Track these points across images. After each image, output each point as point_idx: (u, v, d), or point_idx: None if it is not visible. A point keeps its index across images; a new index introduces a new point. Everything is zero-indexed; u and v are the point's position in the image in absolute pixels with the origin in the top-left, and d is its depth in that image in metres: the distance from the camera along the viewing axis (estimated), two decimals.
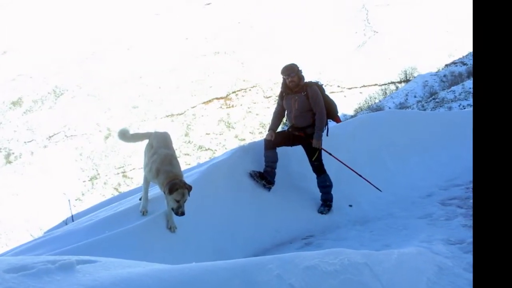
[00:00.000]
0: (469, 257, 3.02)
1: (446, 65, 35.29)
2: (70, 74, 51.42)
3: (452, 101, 23.76)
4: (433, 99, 25.92)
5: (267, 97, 46.17)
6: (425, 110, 23.02)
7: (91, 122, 45.80)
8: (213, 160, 5.33)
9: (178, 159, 3.52)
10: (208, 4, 60.88)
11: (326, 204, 4.86)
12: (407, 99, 30.15)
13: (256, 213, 4.48)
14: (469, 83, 24.95)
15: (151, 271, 1.62)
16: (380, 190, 5.16)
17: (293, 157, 5.07)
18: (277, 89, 5.93)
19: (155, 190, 3.77)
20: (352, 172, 5.05)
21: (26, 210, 35.65)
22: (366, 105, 36.18)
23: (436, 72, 33.81)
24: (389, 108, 27.94)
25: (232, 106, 46.78)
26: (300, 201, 4.90)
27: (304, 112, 4.69)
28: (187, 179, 3.61)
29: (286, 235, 4.40)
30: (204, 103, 47.11)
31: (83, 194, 39.31)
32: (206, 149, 42.32)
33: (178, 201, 3.17)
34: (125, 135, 3.83)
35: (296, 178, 5.09)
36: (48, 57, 53.46)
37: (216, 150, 41.27)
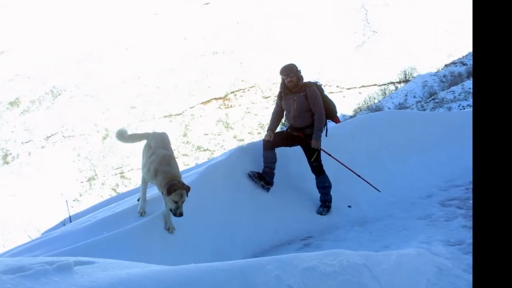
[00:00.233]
0: (469, 258, 3.02)
1: (446, 65, 35.35)
2: (68, 74, 51.34)
3: (451, 102, 23.79)
4: (433, 99, 25.95)
5: (266, 97, 46.19)
6: (424, 110, 23.05)
7: (89, 122, 45.73)
8: (211, 160, 5.32)
9: (176, 159, 3.51)
10: (207, 4, 60.88)
11: (325, 205, 4.85)
12: (406, 99, 30.18)
13: (255, 214, 4.47)
14: (468, 83, 24.98)
15: (149, 272, 1.61)
16: (379, 191, 5.15)
17: (292, 157, 5.06)
18: (276, 89, 5.92)
19: (153, 191, 3.76)
20: (351, 172, 5.05)
21: (24, 211, 35.57)
22: (365, 105, 36.21)
23: (436, 72, 33.85)
24: (389, 108, 27.96)
25: (231, 106, 46.78)
26: (299, 202, 4.90)
27: (303, 113, 4.69)
28: (186, 179, 3.60)
29: (285, 236, 4.40)
30: (202, 103, 47.10)
31: (80, 195, 39.23)
32: (204, 150, 42.30)
33: (176, 202, 3.16)
34: (123, 136, 3.82)
35: (295, 178, 5.08)
36: (46, 57, 53.38)
37: (214, 151, 41.26)
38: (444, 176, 5.93)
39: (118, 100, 47.62)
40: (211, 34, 55.18)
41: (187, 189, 3.21)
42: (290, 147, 4.89)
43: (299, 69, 4.75)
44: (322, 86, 4.96)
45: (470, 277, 2.67)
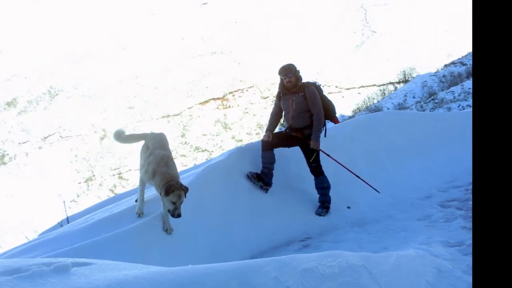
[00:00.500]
0: (469, 260, 3.01)
1: (445, 66, 35.33)
2: (66, 75, 51.22)
3: (451, 102, 23.78)
4: (432, 99, 25.95)
5: (265, 98, 46.16)
6: (424, 110, 23.04)
7: (87, 123, 45.62)
8: (210, 161, 5.30)
9: (174, 160, 3.49)
10: (205, 3, 60.86)
11: (324, 205, 4.84)
12: (405, 99, 30.16)
13: (253, 215, 4.46)
14: (468, 84, 24.95)
15: (147, 273, 1.60)
16: (379, 192, 5.15)
17: (291, 158, 5.05)
18: (275, 90, 5.92)
19: (151, 192, 3.75)
20: (350, 173, 5.04)
21: (21, 211, 35.44)
22: (364, 105, 36.19)
23: (435, 72, 33.84)
24: (388, 108, 27.93)
25: (229, 106, 46.75)
26: (297, 202, 4.89)
27: (301, 113, 4.68)
28: (184, 180, 3.59)
29: (284, 237, 4.38)
30: (200, 103, 47.05)
31: (78, 196, 39.12)
32: (202, 150, 42.25)
33: (174, 203, 3.14)
34: (120, 136, 3.81)
35: (293, 179, 5.07)
36: (43, 58, 53.25)
37: (213, 151, 41.20)
38: (444, 177, 5.93)
39: (115, 101, 47.54)
40: (209, 34, 55.15)
41: (185, 190, 3.19)
42: (288, 147, 4.88)
43: (298, 69, 4.74)
44: (321, 87, 4.95)
45: (470, 278, 2.67)
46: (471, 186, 5.02)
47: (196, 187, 3.79)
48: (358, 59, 45.91)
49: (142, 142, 3.70)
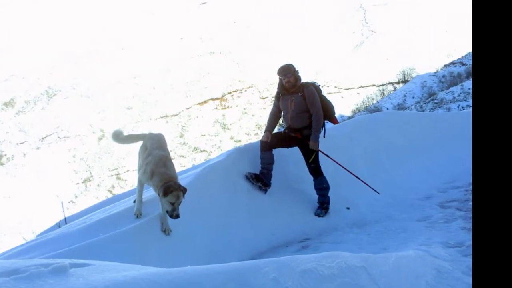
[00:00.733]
0: (468, 260, 3.01)
1: (445, 66, 35.36)
2: (64, 75, 51.13)
3: (451, 102, 23.79)
4: (432, 100, 25.95)
5: (263, 98, 46.15)
6: (423, 111, 23.05)
7: (85, 123, 45.54)
8: (208, 162, 5.29)
9: (172, 160, 3.48)
10: (204, 3, 60.85)
11: (323, 206, 4.83)
12: (405, 100, 30.16)
13: (252, 215, 4.45)
14: (468, 84, 24.95)
15: (145, 274, 1.59)
16: (378, 193, 5.15)
17: (290, 159, 5.05)
18: (274, 90, 5.92)
19: (150, 192, 3.73)
20: (349, 174, 5.04)
21: (19, 212, 35.36)
22: (363, 106, 36.19)
23: (435, 72, 33.85)
24: (387, 109, 27.93)
25: (228, 107, 46.73)
26: (296, 203, 4.88)
27: (300, 113, 4.67)
28: (182, 181, 3.58)
29: (283, 238, 4.37)
30: (199, 104, 47.02)
31: (76, 196, 39.04)
32: (201, 151, 42.21)
33: (172, 204, 3.13)
34: (119, 137, 3.80)
35: (292, 180, 5.06)
36: (41, 58, 53.17)
37: (211, 152, 41.16)
38: (443, 177, 5.93)
39: (114, 101, 47.47)
40: (208, 34, 55.13)
41: (184, 190, 3.18)
42: (287, 148, 4.88)
43: (297, 69, 4.73)
44: (320, 87, 4.95)
45: (469, 279, 2.67)
46: (470, 187, 5.03)
47: (195, 187, 3.79)
48: (357, 59, 45.92)
49: (140, 143, 3.69)
